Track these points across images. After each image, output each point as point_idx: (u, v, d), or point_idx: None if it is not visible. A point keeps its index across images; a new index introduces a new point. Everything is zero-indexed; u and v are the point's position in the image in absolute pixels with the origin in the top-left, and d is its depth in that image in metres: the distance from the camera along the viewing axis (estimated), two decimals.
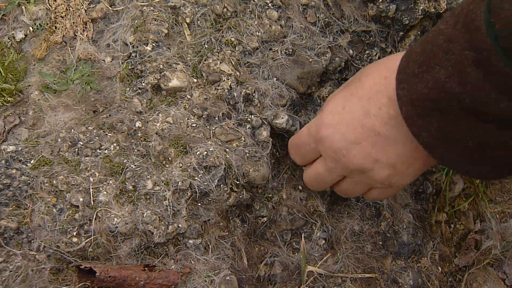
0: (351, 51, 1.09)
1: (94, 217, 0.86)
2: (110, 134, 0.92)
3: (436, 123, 0.67)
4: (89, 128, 0.93)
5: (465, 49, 0.59)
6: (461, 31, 0.60)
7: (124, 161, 0.90)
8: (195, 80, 0.97)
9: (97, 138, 0.92)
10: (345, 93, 0.83)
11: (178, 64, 0.97)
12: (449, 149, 0.69)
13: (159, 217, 0.88)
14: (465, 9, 0.60)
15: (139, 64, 0.97)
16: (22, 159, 0.90)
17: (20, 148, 0.91)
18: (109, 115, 0.95)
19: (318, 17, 1.06)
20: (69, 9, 1.02)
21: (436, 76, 0.63)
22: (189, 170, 0.90)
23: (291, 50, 1.02)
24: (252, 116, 0.98)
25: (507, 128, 0.63)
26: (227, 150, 0.93)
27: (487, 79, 0.58)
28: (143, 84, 0.96)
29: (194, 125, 0.94)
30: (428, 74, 0.65)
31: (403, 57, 0.72)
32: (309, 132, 0.88)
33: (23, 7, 1.03)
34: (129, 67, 0.97)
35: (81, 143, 0.91)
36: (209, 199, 0.91)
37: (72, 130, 0.92)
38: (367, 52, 1.12)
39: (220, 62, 0.98)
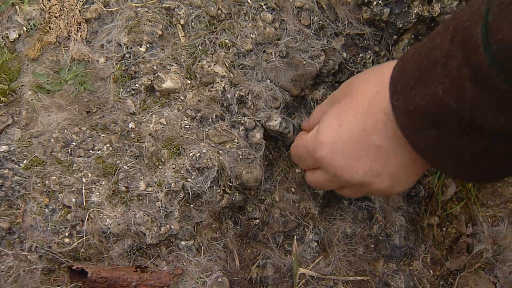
0: (345, 54, 1.09)
1: (86, 218, 0.86)
2: (103, 135, 0.92)
3: (433, 135, 0.68)
4: (82, 128, 0.93)
5: (462, 66, 0.59)
6: (458, 48, 0.60)
7: (117, 162, 0.90)
8: (189, 82, 0.97)
9: (90, 138, 0.92)
10: (339, 109, 0.83)
11: (172, 65, 0.97)
12: (446, 159, 0.70)
13: (151, 218, 0.88)
14: (460, 26, 0.60)
15: (133, 65, 0.97)
16: (15, 159, 0.89)
17: (12, 148, 0.90)
18: (103, 116, 0.94)
19: (312, 19, 1.06)
20: (63, 10, 1.02)
21: (434, 91, 0.64)
22: (182, 172, 0.90)
23: (285, 53, 1.02)
24: (246, 118, 0.98)
25: (506, 142, 0.63)
26: (220, 151, 0.93)
27: (486, 96, 0.58)
28: (137, 85, 0.96)
29: (188, 126, 0.94)
30: (425, 87, 0.65)
31: (394, 68, 0.72)
32: (307, 150, 0.88)
33: (17, 7, 1.03)
34: (123, 68, 0.97)
35: (74, 143, 0.91)
36: (202, 201, 0.92)
37: (65, 130, 0.92)
38: (360, 55, 1.12)
39: (214, 64, 0.98)
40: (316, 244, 1.04)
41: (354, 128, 0.79)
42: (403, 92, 0.69)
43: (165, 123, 0.94)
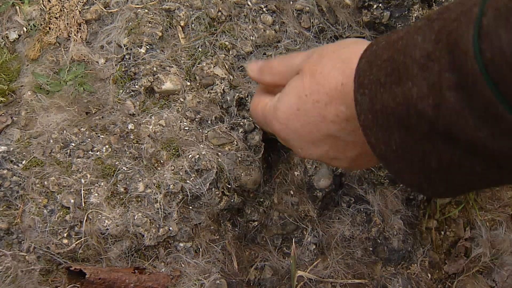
0: None
1: (85, 219, 0.86)
2: (102, 136, 0.92)
3: (398, 139, 0.62)
4: (82, 129, 0.93)
5: (445, 71, 0.54)
6: (442, 50, 0.55)
7: (116, 163, 0.90)
8: (189, 83, 0.97)
9: (89, 139, 0.92)
10: (301, 89, 0.76)
11: (172, 67, 0.97)
12: (407, 166, 0.64)
13: (150, 220, 0.88)
14: (448, 26, 0.55)
15: (132, 66, 0.97)
16: (14, 159, 0.89)
17: (11, 149, 0.90)
18: (102, 117, 0.94)
19: (312, 22, 1.06)
20: (63, 10, 1.02)
21: (407, 93, 0.58)
22: (181, 173, 0.90)
23: (285, 55, 1.02)
24: (245, 120, 0.98)
25: (476, 155, 0.58)
26: (219, 153, 0.93)
27: (468, 105, 0.53)
28: (136, 86, 0.96)
29: (187, 128, 0.94)
30: (398, 87, 0.59)
31: (362, 57, 0.66)
32: (264, 119, 0.83)
33: (17, 7, 1.03)
34: (123, 69, 0.97)
35: (73, 144, 0.91)
36: (201, 203, 0.91)
37: (65, 131, 0.92)
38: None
39: (214, 66, 0.98)
40: (314, 246, 1.04)
41: (313, 115, 0.75)
42: (370, 87, 0.63)
43: (164, 125, 0.93)
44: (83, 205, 0.87)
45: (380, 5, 1.08)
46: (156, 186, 0.89)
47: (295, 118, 0.77)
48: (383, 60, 0.62)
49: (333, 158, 0.78)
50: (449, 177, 0.63)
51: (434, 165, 0.61)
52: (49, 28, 1.01)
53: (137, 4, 1.01)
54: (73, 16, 1.01)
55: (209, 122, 0.96)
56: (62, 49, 1.01)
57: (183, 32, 1.01)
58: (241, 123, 0.97)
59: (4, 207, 0.87)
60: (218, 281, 0.91)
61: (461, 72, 0.53)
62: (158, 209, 0.88)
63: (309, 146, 0.78)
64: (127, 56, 0.98)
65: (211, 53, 1.00)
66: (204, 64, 0.98)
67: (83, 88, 0.97)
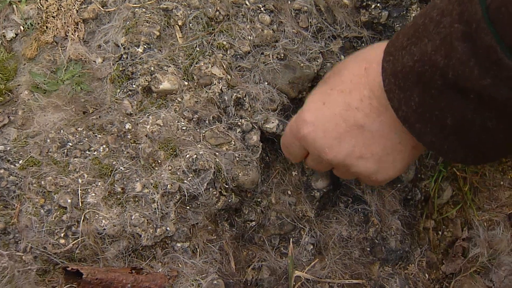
0: (342, 57, 1.09)
1: (82, 219, 0.86)
2: (99, 136, 0.92)
3: (417, 97, 0.66)
4: (79, 129, 0.92)
5: (455, 22, 0.58)
6: (454, 3, 0.59)
7: (113, 163, 0.90)
8: (186, 83, 0.97)
9: (86, 139, 0.92)
10: (324, 88, 0.81)
11: (169, 66, 0.97)
12: (427, 125, 0.67)
13: (147, 220, 0.88)
14: None
15: (130, 65, 0.97)
16: (11, 159, 0.89)
17: (8, 148, 0.90)
18: (99, 117, 0.94)
19: (310, 22, 1.06)
20: (61, 9, 1.01)
21: (423, 49, 0.63)
22: (179, 173, 0.90)
23: (282, 55, 1.02)
24: (243, 120, 0.97)
25: (487, 109, 0.61)
26: (217, 153, 0.93)
27: (473, 54, 0.57)
28: (134, 86, 0.96)
29: (184, 128, 0.94)
30: (416, 46, 0.64)
31: (395, 33, 0.71)
32: (291, 131, 0.86)
33: (14, 6, 1.02)
34: (120, 69, 0.97)
35: (70, 144, 0.91)
36: (198, 203, 0.91)
37: (62, 131, 0.92)
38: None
39: (212, 66, 0.98)
40: (312, 247, 1.04)
41: (338, 105, 0.77)
42: (395, 53, 0.68)
43: (162, 124, 0.93)
44: (80, 205, 0.87)
45: (378, 5, 1.08)
46: (153, 186, 0.89)
47: (321, 112, 0.79)
48: (408, 27, 0.67)
49: (360, 157, 0.78)
50: (465, 137, 0.66)
51: (450, 122, 0.65)
52: (46, 27, 1.01)
53: (135, 3, 1.01)
54: (70, 15, 1.01)
55: (207, 122, 0.96)
56: (59, 48, 1.00)
57: (181, 32, 1.01)
58: (239, 123, 0.97)
59: (1, 206, 0.87)
60: (215, 282, 0.90)
61: (468, 20, 0.56)
62: (155, 209, 0.88)
63: (335, 143, 0.79)
64: (124, 56, 0.98)
65: (209, 52, 0.99)
66: (202, 64, 0.98)
67: (80, 88, 0.97)
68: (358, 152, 0.78)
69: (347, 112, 0.76)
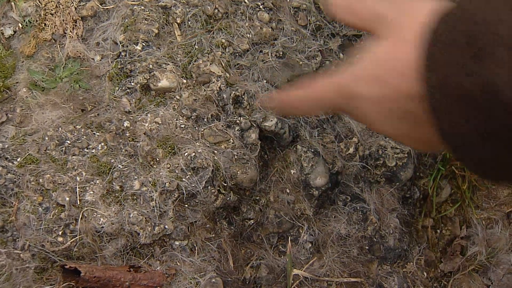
0: (341, 55, 1.09)
1: (80, 217, 0.86)
2: (98, 134, 0.92)
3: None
4: (77, 127, 0.92)
5: None
6: None
7: (112, 161, 0.90)
8: (185, 81, 0.97)
9: (84, 137, 0.92)
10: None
11: (168, 64, 0.97)
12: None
13: (145, 218, 0.88)
14: None
15: (128, 63, 0.97)
16: (9, 156, 0.89)
17: (6, 146, 0.90)
18: (97, 114, 0.94)
19: (309, 20, 1.06)
20: (59, 7, 1.01)
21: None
22: (177, 171, 0.90)
23: (281, 53, 1.02)
24: (241, 118, 0.97)
25: None
26: (215, 151, 0.93)
27: None
28: (132, 83, 0.96)
29: (183, 126, 0.94)
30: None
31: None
32: (337, 90, 0.58)
33: (12, 3, 1.02)
34: (119, 66, 0.97)
35: (68, 142, 0.91)
36: (196, 201, 0.91)
37: (60, 128, 0.92)
38: (357, 56, 1.12)
39: (210, 63, 0.98)
40: (310, 245, 1.04)
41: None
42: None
43: (160, 122, 0.93)
44: (78, 203, 0.87)
45: None
46: (151, 184, 0.89)
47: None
48: None
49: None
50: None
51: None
52: (45, 24, 1.01)
53: (133, 1, 1.01)
54: (68, 13, 1.01)
55: (205, 120, 0.96)
56: (58, 45, 1.00)
57: (180, 30, 1.01)
58: (238, 121, 0.97)
59: None
60: (213, 280, 0.90)
61: None
62: (153, 207, 0.88)
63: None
64: (123, 53, 0.97)
65: (208, 50, 0.99)
66: (201, 62, 0.98)
67: (79, 85, 0.97)
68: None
69: None
